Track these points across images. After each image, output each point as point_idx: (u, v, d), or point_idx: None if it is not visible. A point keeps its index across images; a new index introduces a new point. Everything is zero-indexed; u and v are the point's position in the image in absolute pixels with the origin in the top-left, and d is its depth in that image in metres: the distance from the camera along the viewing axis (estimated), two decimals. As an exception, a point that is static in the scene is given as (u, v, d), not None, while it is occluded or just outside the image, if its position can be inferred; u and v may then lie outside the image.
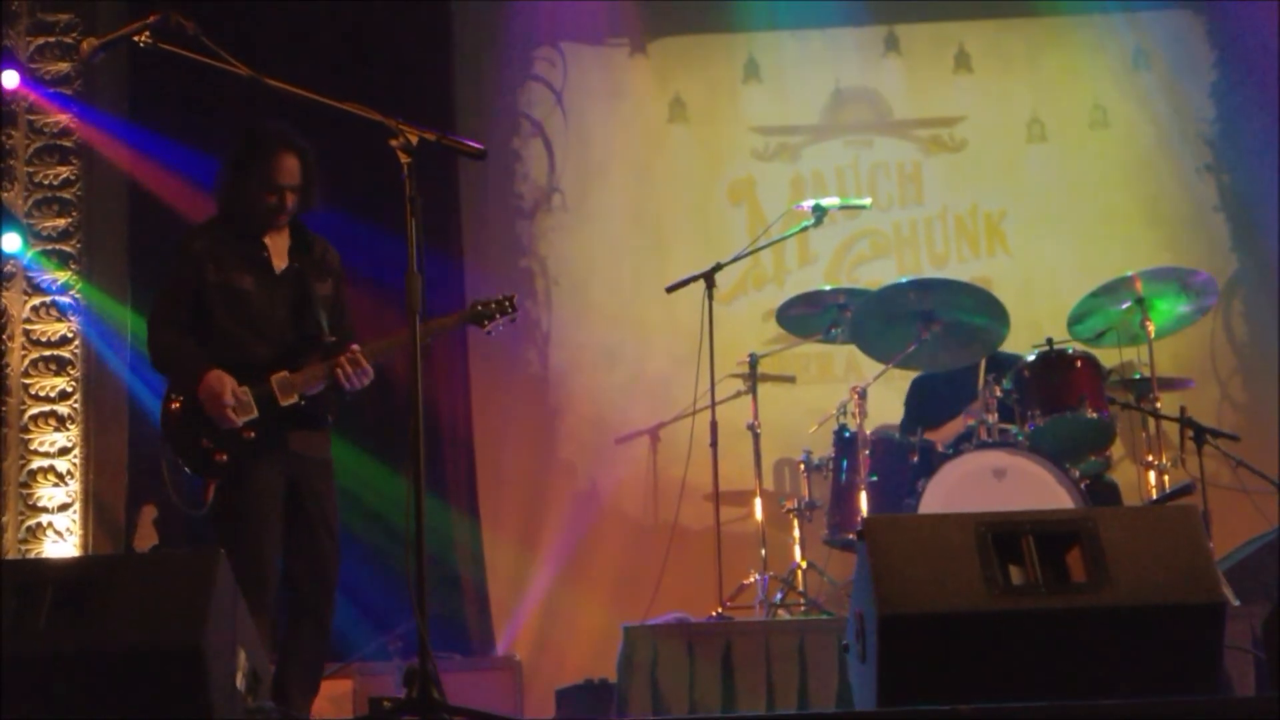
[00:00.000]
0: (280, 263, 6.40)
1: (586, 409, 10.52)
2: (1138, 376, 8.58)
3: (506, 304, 6.55)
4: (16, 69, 9.64)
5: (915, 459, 8.29)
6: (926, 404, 8.95)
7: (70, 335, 9.61)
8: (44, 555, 9.19)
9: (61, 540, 9.35)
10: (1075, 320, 8.61)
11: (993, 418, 8.13)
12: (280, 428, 6.22)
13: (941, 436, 8.48)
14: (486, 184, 10.68)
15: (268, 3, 10.04)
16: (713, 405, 8.52)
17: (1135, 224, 10.66)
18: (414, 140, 5.21)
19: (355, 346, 6.26)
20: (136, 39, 5.47)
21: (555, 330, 10.70)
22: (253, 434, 6.15)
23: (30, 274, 9.64)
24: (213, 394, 6.09)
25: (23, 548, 9.32)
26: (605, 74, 11.05)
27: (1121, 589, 4.61)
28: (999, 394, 8.22)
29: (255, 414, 6.16)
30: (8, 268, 9.62)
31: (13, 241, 9.53)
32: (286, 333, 6.34)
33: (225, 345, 6.24)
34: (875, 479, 8.23)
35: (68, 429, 9.51)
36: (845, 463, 8.47)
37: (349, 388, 6.23)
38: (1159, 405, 8.42)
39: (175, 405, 6.22)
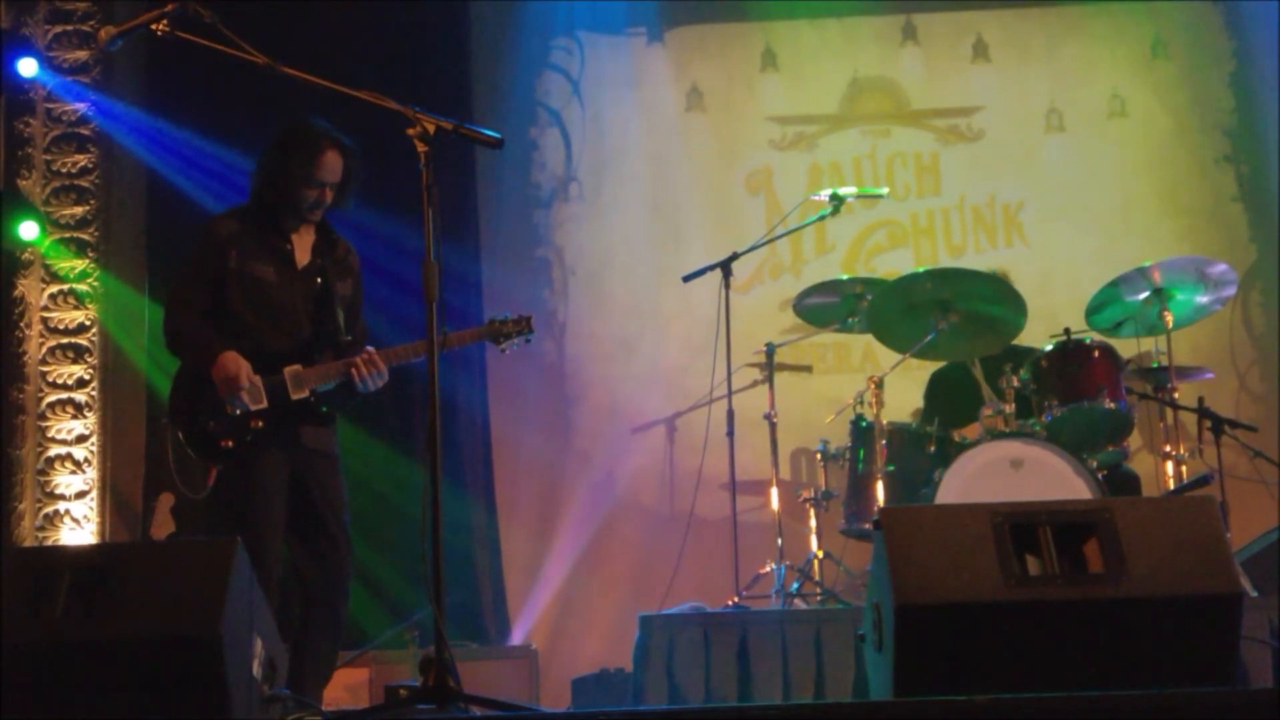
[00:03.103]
0: (303, 258, 6.41)
1: (603, 398, 10.52)
2: (1155, 367, 8.56)
3: (524, 324, 6.57)
4: (35, 57, 9.66)
5: (932, 449, 8.28)
6: (941, 403, 8.94)
7: (88, 323, 9.63)
8: (61, 543, 9.21)
9: (78, 528, 9.38)
10: (1093, 310, 8.59)
11: (1010, 408, 8.12)
12: (288, 420, 6.22)
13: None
14: (503, 174, 10.69)
15: (285, -8, 10.05)
16: (729, 395, 8.52)
17: (1153, 214, 10.64)
18: (431, 129, 5.21)
19: (370, 349, 6.27)
20: (154, 27, 5.48)
21: (572, 320, 10.70)
22: (260, 423, 6.16)
23: (48, 262, 9.66)
24: (227, 374, 6.09)
25: (40, 535, 9.35)
26: (622, 63, 11.04)
27: (1139, 580, 4.60)
28: (1016, 384, 8.21)
29: (265, 404, 6.17)
30: (25, 255, 9.64)
31: (30, 229, 9.55)
32: (303, 327, 6.34)
33: (241, 333, 6.24)
34: (892, 469, 8.22)
35: (85, 416, 9.53)
36: (862, 452, 8.46)
37: (362, 389, 6.25)
38: (1177, 396, 8.39)
39: (185, 387, 6.24)
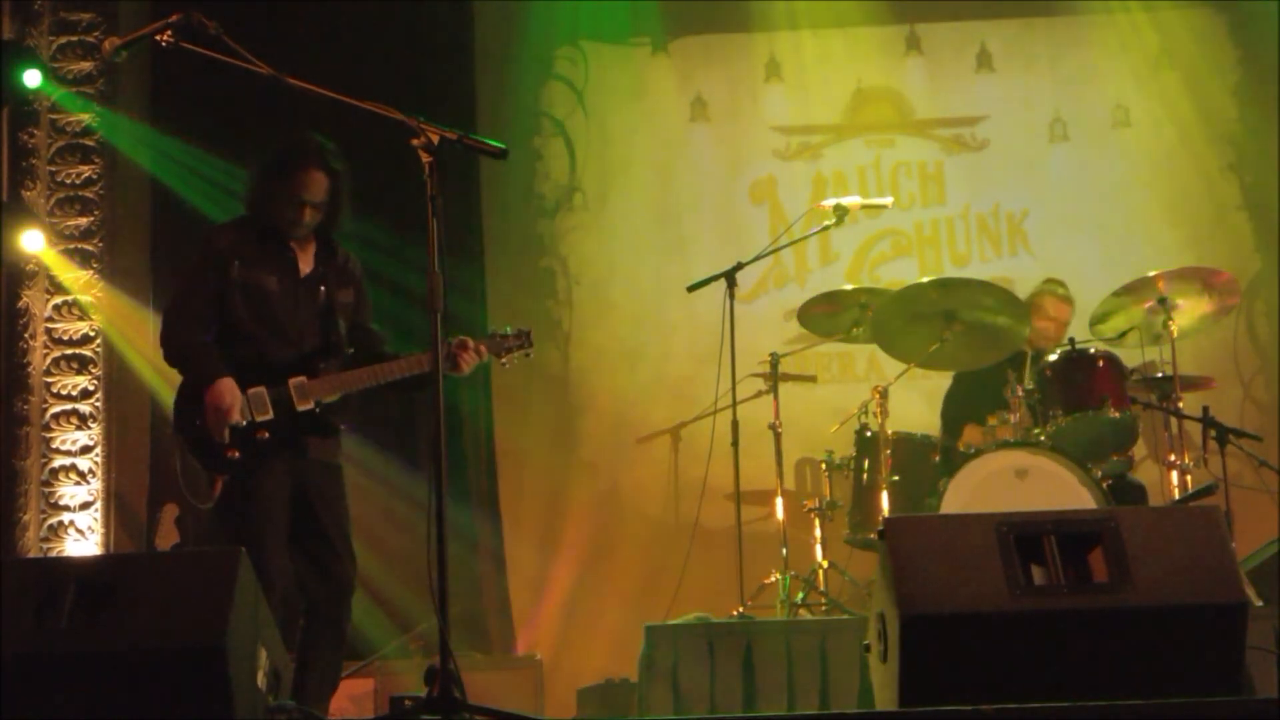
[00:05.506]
0: (306, 267, 6.37)
1: (608, 408, 10.52)
2: (1160, 376, 8.54)
3: (524, 339, 6.51)
4: (39, 68, 9.66)
5: (937, 459, 8.28)
6: (969, 400, 8.92)
7: (92, 334, 9.64)
8: (66, 554, 9.21)
9: (83, 539, 9.38)
10: (1098, 320, 8.58)
11: (1015, 417, 8.11)
12: (293, 432, 6.21)
13: (978, 438, 8.44)
14: (508, 183, 10.69)
15: (289, 2, 10.05)
16: (734, 405, 8.51)
17: (1158, 224, 10.64)
18: (435, 139, 5.20)
19: (466, 338, 6.26)
20: (158, 38, 5.48)
21: (576, 330, 10.71)
22: (266, 435, 6.14)
23: (52, 273, 9.67)
24: (220, 405, 6.06)
25: (44, 546, 9.35)
26: (626, 73, 11.05)
27: (1143, 589, 4.60)
28: (1021, 394, 8.21)
29: (270, 415, 6.14)
30: (30, 266, 9.65)
31: (35, 240, 9.55)
32: (308, 337, 6.31)
33: (245, 344, 6.21)
34: (897, 479, 8.21)
35: (89, 427, 9.53)
36: (867, 462, 8.45)
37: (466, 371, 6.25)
38: (1181, 405, 8.37)
39: (190, 398, 6.21)
